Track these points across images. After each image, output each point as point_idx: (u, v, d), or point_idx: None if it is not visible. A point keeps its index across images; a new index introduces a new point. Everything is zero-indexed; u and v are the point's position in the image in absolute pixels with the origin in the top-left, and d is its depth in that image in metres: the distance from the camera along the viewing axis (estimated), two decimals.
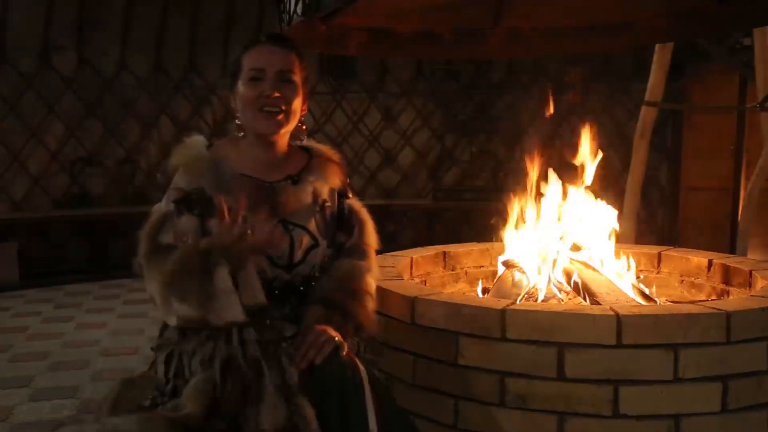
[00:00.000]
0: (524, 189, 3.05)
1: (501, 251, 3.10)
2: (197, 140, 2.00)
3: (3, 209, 6.55)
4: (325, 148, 2.13)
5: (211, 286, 1.74)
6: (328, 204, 2.04)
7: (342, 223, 2.08)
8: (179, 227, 1.85)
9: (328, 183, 2.05)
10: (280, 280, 1.93)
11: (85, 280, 6.12)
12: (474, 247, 3.36)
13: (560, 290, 2.73)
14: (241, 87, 1.94)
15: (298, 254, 1.94)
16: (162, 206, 1.90)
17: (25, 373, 3.84)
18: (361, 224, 2.10)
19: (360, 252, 2.08)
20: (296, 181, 1.99)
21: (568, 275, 2.79)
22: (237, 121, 1.98)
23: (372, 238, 2.12)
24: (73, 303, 5.50)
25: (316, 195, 2.01)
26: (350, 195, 2.13)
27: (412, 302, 2.34)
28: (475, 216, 7.13)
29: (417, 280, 3.00)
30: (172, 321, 1.83)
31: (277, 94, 1.91)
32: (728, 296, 2.88)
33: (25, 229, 6.55)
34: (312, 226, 1.98)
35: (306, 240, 1.96)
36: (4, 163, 6.54)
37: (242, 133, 1.98)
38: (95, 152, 6.94)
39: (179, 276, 1.77)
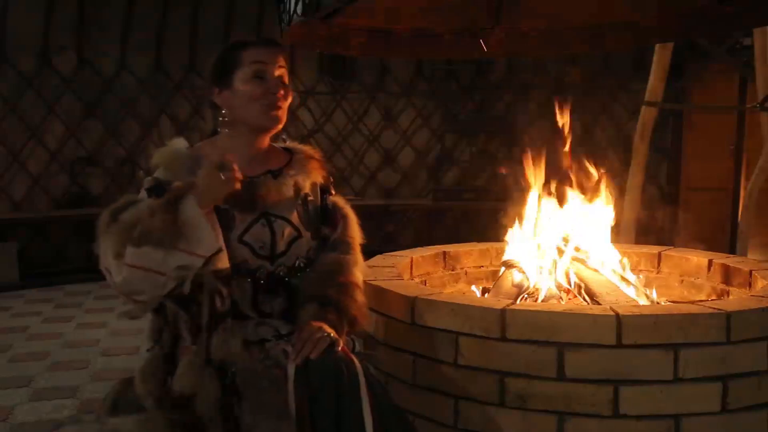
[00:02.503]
0: (524, 189, 3.05)
1: (501, 251, 3.10)
2: (177, 141, 2.03)
3: (3, 209, 6.54)
4: (306, 147, 2.16)
5: (178, 217, 1.73)
6: (311, 198, 2.06)
7: (326, 217, 2.09)
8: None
9: (310, 177, 2.08)
10: (264, 271, 1.94)
11: (85, 280, 6.09)
12: (474, 247, 3.36)
13: (560, 289, 2.73)
14: (241, 84, 1.95)
15: (281, 244, 1.96)
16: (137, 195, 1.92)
17: (25, 373, 3.84)
18: (345, 219, 2.12)
19: (345, 245, 2.09)
20: (276, 174, 2.01)
21: (568, 275, 2.79)
22: (223, 118, 1.98)
23: (356, 231, 2.13)
24: (73, 303, 5.50)
25: (297, 188, 2.03)
26: (333, 192, 2.14)
27: (412, 302, 2.34)
28: (475, 216, 7.14)
29: (417, 280, 3.00)
30: (119, 277, 1.77)
31: (282, 92, 1.96)
32: (728, 296, 2.88)
33: (25, 229, 6.55)
34: (294, 217, 2.00)
35: (288, 231, 1.97)
36: (4, 163, 6.53)
37: (227, 130, 1.98)
38: (95, 152, 6.93)
39: (139, 220, 1.75)
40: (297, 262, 2.00)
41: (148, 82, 7.05)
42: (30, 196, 6.69)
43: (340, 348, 1.80)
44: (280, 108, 1.96)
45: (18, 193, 6.64)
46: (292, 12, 2.66)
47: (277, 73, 1.96)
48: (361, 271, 2.10)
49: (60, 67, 6.69)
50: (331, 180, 2.16)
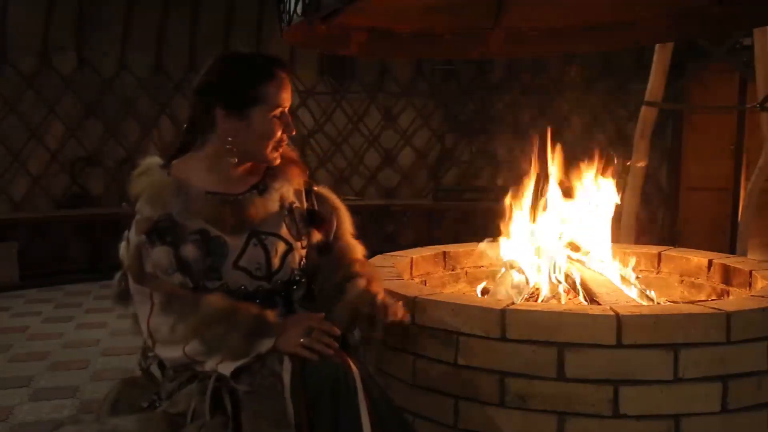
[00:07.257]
0: (524, 188, 3.05)
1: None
2: (152, 163, 1.98)
3: (3, 209, 6.54)
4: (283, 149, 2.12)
5: (251, 348, 1.76)
6: (296, 205, 2.04)
7: (314, 217, 2.07)
8: (154, 259, 1.83)
9: (293, 185, 2.05)
10: (262, 291, 1.93)
11: (85, 280, 6.10)
12: (474, 247, 3.36)
13: (560, 289, 2.73)
14: (261, 121, 1.90)
15: (275, 262, 1.94)
16: (132, 236, 1.86)
17: (25, 373, 3.84)
18: (336, 212, 2.12)
19: (341, 241, 2.12)
20: (262, 190, 1.98)
21: (568, 275, 2.79)
22: (231, 147, 1.90)
23: (348, 223, 2.15)
24: (73, 303, 5.50)
25: (282, 200, 2.01)
26: (315, 187, 2.12)
27: (412, 302, 2.34)
28: (475, 216, 7.13)
29: (417, 280, 3.00)
30: (165, 349, 1.85)
31: (294, 132, 1.97)
32: (728, 296, 2.88)
33: (25, 229, 6.55)
34: (284, 231, 1.98)
35: (281, 247, 1.96)
36: (4, 163, 6.53)
37: (236, 160, 1.93)
38: (95, 152, 6.93)
39: (215, 321, 1.78)
40: (292, 274, 1.99)
41: (148, 82, 7.06)
42: (30, 196, 6.69)
43: (333, 352, 1.78)
44: (285, 145, 1.98)
45: (18, 193, 6.64)
46: (292, 12, 2.66)
47: (290, 109, 1.96)
48: (362, 253, 2.15)
49: (60, 67, 6.69)
50: (311, 179, 2.12)
